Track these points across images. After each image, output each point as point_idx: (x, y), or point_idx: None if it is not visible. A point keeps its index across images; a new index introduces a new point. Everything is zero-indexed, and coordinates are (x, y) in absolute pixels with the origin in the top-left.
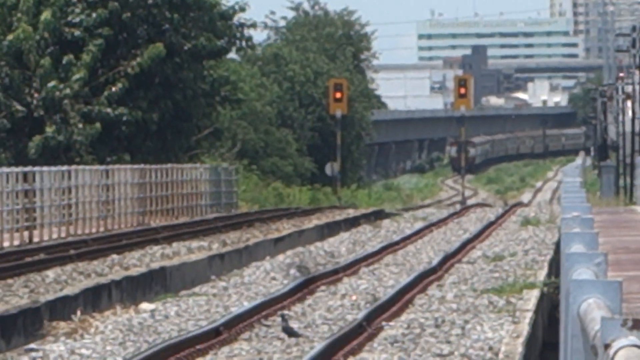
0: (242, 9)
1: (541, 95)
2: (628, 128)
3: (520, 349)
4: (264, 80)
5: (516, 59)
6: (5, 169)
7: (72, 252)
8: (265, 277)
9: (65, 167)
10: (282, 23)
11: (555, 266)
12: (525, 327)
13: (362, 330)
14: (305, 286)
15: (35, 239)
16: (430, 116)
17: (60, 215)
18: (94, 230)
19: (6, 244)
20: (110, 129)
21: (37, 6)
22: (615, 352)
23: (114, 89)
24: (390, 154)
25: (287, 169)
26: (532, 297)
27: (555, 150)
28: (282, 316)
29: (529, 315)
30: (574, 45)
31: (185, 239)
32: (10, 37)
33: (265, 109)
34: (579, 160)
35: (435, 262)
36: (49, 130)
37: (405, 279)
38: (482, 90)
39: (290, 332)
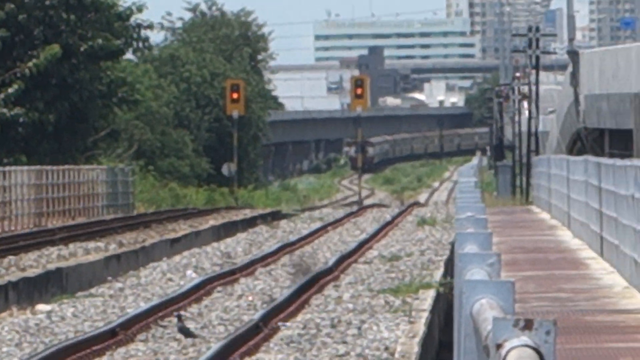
0: (139, 10)
1: (438, 95)
2: (524, 128)
3: (416, 348)
4: (161, 81)
5: (413, 59)
6: None
7: None
8: (162, 278)
9: None
10: (179, 24)
11: (451, 266)
12: (421, 327)
13: (259, 331)
14: (202, 287)
15: None
16: (327, 117)
17: None
18: None
19: None
20: (7, 130)
21: None
22: (507, 353)
23: (10, 90)
24: (287, 155)
25: (184, 170)
26: (428, 297)
27: (453, 150)
28: (178, 317)
29: (425, 315)
30: (471, 45)
31: (82, 240)
32: None
33: (162, 109)
34: (475, 160)
35: (331, 262)
36: None
37: (301, 280)
38: (379, 90)
39: (186, 333)
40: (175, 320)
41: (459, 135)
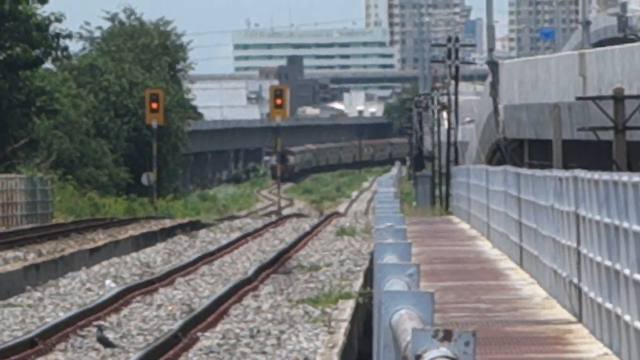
0: (58, 20)
1: (357, 105)
2: (443, 138)
3: (335, 359)
4: (79, 91)
5: (332, 69)
6: None
7: None
8: (81, 288)
9: None
10: (98, 33)
11: (370, 276)
12: (340, 337)
13: (178, 341)
14: (121, 296)
15: None
16: (246, 126)
17: None
18: None
19: None
20: None
21: None
22: None
23: None
24: (206, 164)
25: (102, 179)
26: (347, 308)
27: (376, 160)
28: (98, 327)
29: (345, 325)
30: (390, 55)
31: (0, 249)
32: None
33: (81, 119)
34: (394, 170)
35: (250, 272)
36: None
37: (220, 289)
38: (298, 100)
39: (106, 343)
40: (94, 330)
41: (378, 145)
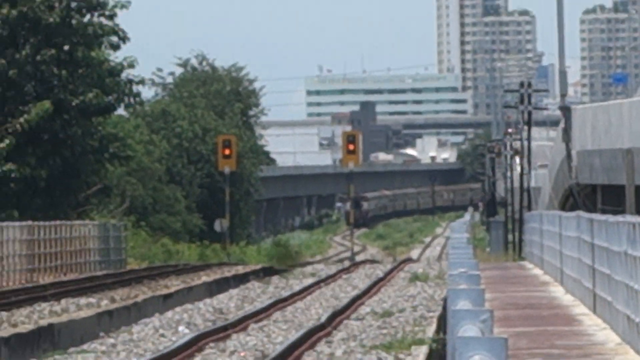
0: (131, 66)
1: (430, 151)
2: (516, 184)
3: None
4: (152, 137)
5: (405, 115)
6: None
7: None
8: (154, 334)
9: None
10: (170, 79)
11: (444, 322)
12: None
13: None
14: (194, 343)
15: None
16: (319, 172)
17: None
18: None
19: None
20: None
21: None
22: None
23: (1, 145)
24: (279, 210)
25: (175, 226)
26: (420, 354)
27: (449, 205)
28: None
29: None
30: (463, 101)
31: (74, 295)
32: None
33: (154, 165)
34: (467, 216)
35: (324, 318)
36: None
37: (294, 335)
38: (370, 146)
39: None
40: None
41: (452, 191)
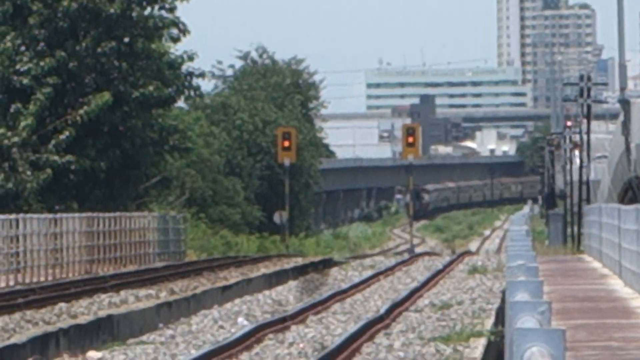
0: (191, 58)
1: (489, 144)
2: (575, 177)
3: None
4: (212, 129)
5: (464, 108)
6: None
7: (20, 300)
8: (214, 326)
9: (13, 216)
10: (230, 72)
11: (502, 314)
12: None
13: None
14: (253, 334)
15: None
16: (378, 165)
17: (8, 264)
18: (42, 278)
19: None
20: (59, 177)
21: None
22: None
23: (61, 137)
24: (338, 203)
25: (235, 217)
26: (479, 346)
27: (508, 198)
28: None
29: None
30: (522, 94)
31: (133, 287)
32: None
33: (214, 157)
34: (526, 208)
35: (383, 310)
36: None
37: (352, 327)
38: (430, 139)
39: None
40: None
41: (518, 183)
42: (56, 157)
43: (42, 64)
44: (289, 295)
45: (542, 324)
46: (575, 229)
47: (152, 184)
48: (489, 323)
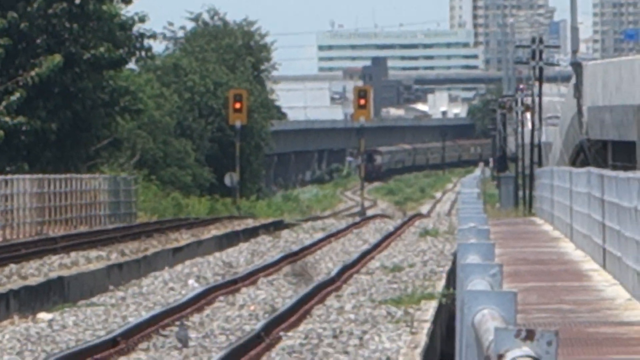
0: (142, 20)
1: (441, 106)
2: (527, 139)
3: (418, 359)
4: (163, 91)
5: (416, 70)
6: None
7: None
8: (164, 287)
9: None
10: (181, 34)
11: (453, 277)
12: (423, 338)
13: (260, 341)
14: (204, 296)
15: None
16: (329, 127)
17: None
18: None
19: None
20: (9, 139)
21: None
22: None
23: (12, 98)
24: (289, 165)
25: (186, 179)
26: (430, 308)
27: (465, 160)
28: (180, 324)
29: (427, 326)
30: (474, 56)
31: (84, 248)
32: None
33: (165, 119)
34: (477, 171)
35: (334, 272)
36: None
37: (303, 290)
38: (382, 101)
39: (183, 341)
40: (176, 329)
41: (470, 146)
42: (7, 119)
43: None
44: (239, 257)
45: (493, 287)
46: (527, 191)
47: (103, 145)
48: (440, 285)
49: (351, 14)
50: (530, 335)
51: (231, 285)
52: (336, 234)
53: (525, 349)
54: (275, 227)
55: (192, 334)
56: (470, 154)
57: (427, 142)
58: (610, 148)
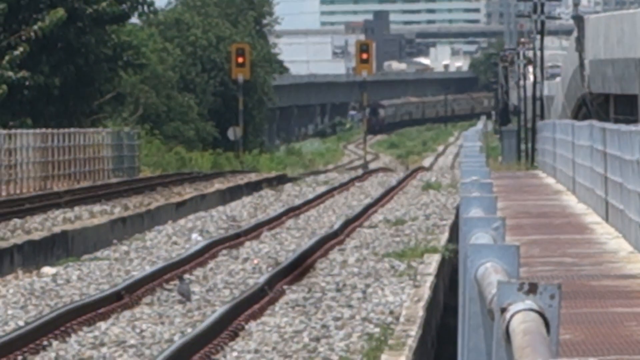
0: None
1: (443, 60)
2: (529, 93)
3: (421, 312)
4: (166, 45)
5: (418, 24)
6: None
7: None
8: (167, 241)
9: None
10: None
11: (456, 230)
12: (426, 291)
13: (264, 294)
14: (207, 250)
15: None
16: (332, 81)
17: None
18: None
19: None
20: (13, 93)
21: None
22: (512, 316)
23: (15, 53)
24: (292, 119)
25: (189, 134)
26: (433, 261)
27: (462, 114)
28: (180, 278)
29: (430, 279)
30: (476, 10)
31: (87, 203)
32: None
33: (168, 73)
34: (480, 124)
35: (337, 226)
36: None
37: (307, 243)
38: (384, 55)
39: (186, 295)
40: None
41: (483, 98)
42: (10, 73)
43: None
44: (243, 211)
45: (496, 240)
46: (529, 145)
47: (106, 100)
48: (443, 239)
49: None
50: (532, 289)
51: (234, 239)
52: (339, 188)
53: (528, 302)
54: (279, 181)
55: (196, 288)
56: (482, 107)
57: (435, 96)
58: (612, 101)
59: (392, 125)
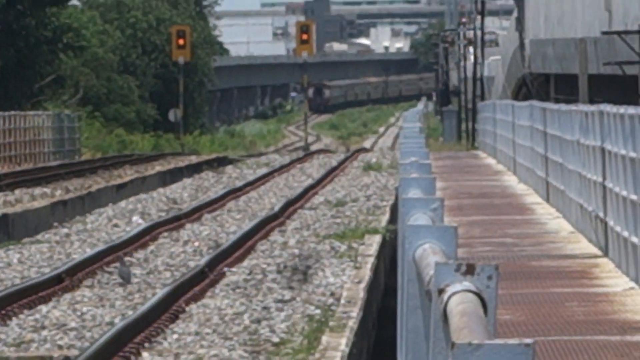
0: None
1: (383, 41)
2: (470, 73)
3: (362, 294)
4: (106, 27)
5: (359, 5)
6: None
7: None
8: (108, 224)
9: None
10: None
11: (397, 211)
12: (367, 273)
13: (204, 276)
14: (148, 232)
15: None
16: (272, 62)
17: None
18: None
19: None
20: None
21: None
22: (449, 297)
23: None
24: (232, 100)
25: (129, 116)
26: (374, 243)
27: (403, 95)
28: (120, 260)
29: (371, 260)
30: None
31: (27, 186)
32: None
33: (108, 55)
34: (420, 105)
35: (277, 207)
36: None
37: (247, 225)
38: (324, 36)
39: (125, 278)
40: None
41: (429, 79)
42: None
43: None
44: (183, 193)
45: (434, 221)
46: (470, 125)
47: (46, 82)
48: (383, 220)
49: None
50: (470, 270)
51: (175, 222)
52: (280, 170)
53: (466, 284)
54: (219, 163)
55: (137, 271)
56: (429, 88)
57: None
58: (552, 81)
59: (336, 107)
